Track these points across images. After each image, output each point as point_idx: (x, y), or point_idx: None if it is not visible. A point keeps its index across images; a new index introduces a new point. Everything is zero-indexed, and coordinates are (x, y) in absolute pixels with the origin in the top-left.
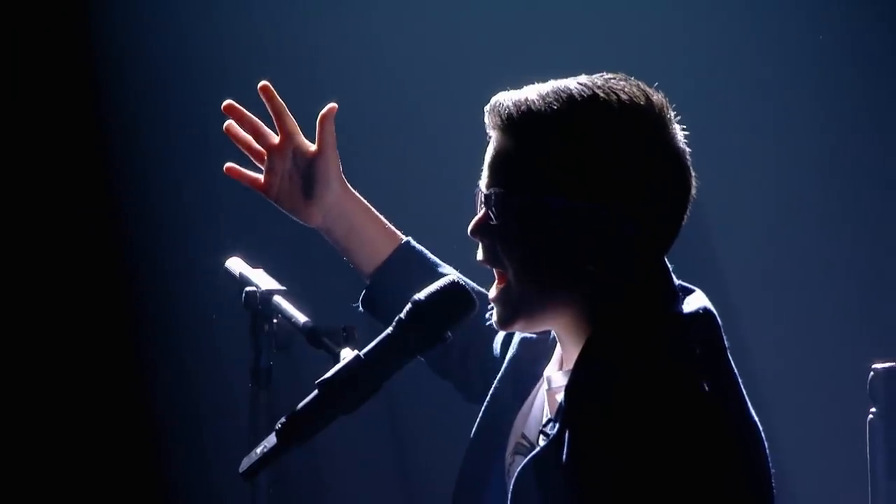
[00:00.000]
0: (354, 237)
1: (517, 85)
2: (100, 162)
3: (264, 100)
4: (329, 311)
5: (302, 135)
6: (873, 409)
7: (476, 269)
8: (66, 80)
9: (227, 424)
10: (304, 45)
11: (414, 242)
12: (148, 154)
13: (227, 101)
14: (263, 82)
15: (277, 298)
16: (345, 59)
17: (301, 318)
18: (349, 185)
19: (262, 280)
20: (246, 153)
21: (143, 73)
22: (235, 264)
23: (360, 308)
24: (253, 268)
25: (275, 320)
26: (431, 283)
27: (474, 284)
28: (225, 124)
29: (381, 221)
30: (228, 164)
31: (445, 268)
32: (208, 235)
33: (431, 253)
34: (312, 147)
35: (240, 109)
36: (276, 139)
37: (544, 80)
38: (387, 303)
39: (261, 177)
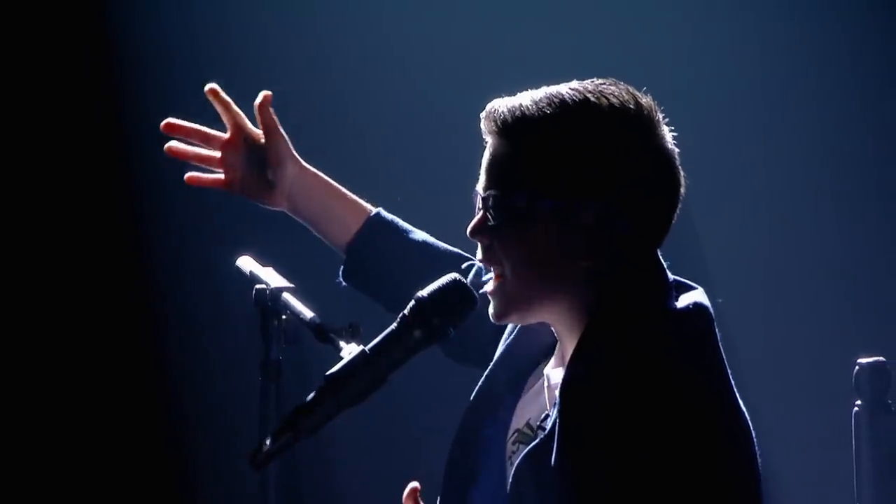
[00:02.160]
0: (321, 213)
1: (519, 87)
2: (113, 163)
3: (211, 98)
4: (336, 308)
5: (250, 124)
6: (858, 402)
7: (451, 237)
8: (80, 81)
9: (238, 416)
10: (310, 47)
11: (385, 213)
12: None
13: (164, 121)
14: (210, 85)
15: (286, 295)
16: (351, 62)
17: (309, 314)
18: (306, 164)
19: (271, 278)
20: (200, 165)
21: (155, 73)
22: (246, 263)
23: (342, 282)
24: (263, 266)
25: (283, 316)
26: (405, 250)
27: (454, 249)
28: (166, 146)
29: (346, 196)
30: (188, 175)
31: (417, 233)
32: (220, 235)
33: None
34: (260, 133)
35: (179, 124)
36: (226, 136)
37: (545, 82)
38: (366, 274)
39: (221, 176)
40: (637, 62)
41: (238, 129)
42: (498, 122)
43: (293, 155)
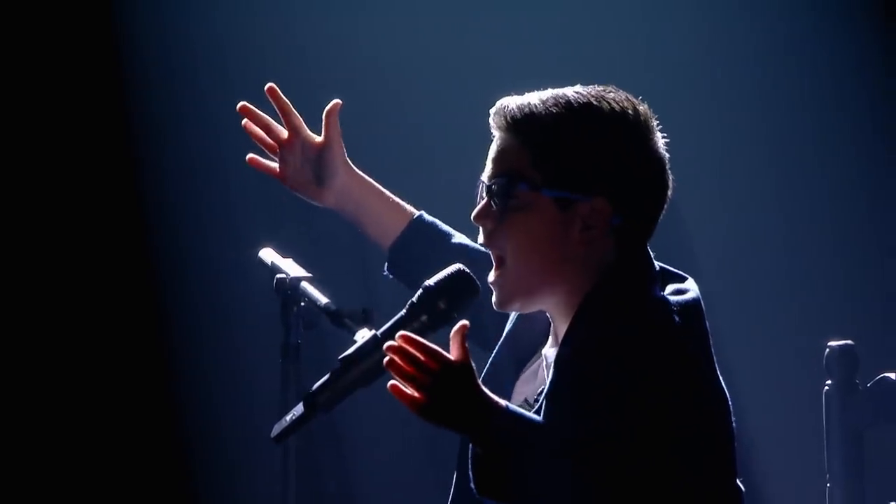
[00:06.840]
0: (364, 214)
1: (518, 87)
2: (156, 166)
3: (271, 100)
4: (350, 295)
5: (307, 129)
6: (829, 382)
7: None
8: (95, 83)
9: (260, 395)
10: (314, 47)
11: (427, 216)
12: (190, 157)
13: (241, 103)
14: (270, 84)
15: (304, 284)
16: (353, 60)
17: (325, 301)
18: (355, 169)
19: (291, 268)
20: (261, 146)
21: (171, 74)
22: (268, 254)
23: (388, 274)
24: (283, 257)
25: (302, 303)
26: (446, 250)
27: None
28: (243, 122)
29: (390, 199)
30: (250, 156)
31: (458, 237)
32: (244, 229)
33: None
34: (318, 139)
35: (252, 109)
36: (285, 134)
37: (544, 84)
38: (408, 270)
39: (276, 166)
40: (626, 65)
41: (295, 131)
42: (507, 117)
43: (346, 161)
